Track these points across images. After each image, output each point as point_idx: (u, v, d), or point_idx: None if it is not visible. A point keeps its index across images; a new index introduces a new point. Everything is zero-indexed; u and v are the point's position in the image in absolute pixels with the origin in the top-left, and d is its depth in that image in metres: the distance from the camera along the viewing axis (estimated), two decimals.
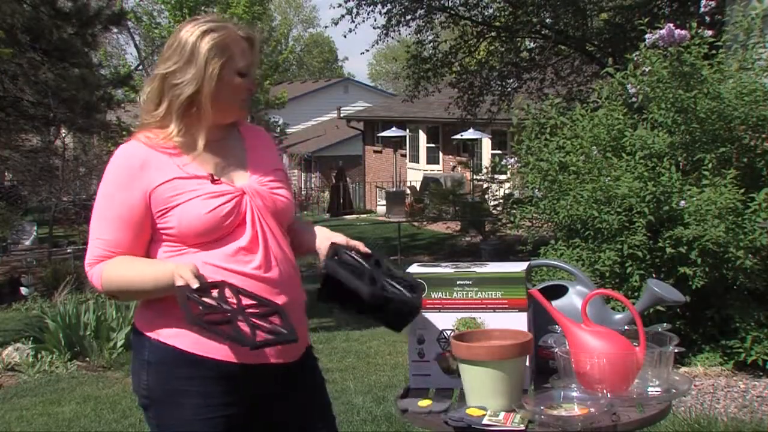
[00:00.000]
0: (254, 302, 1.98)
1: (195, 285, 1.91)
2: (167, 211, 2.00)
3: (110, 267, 2.01)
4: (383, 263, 2.13)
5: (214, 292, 1.95)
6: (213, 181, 2.04)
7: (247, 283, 2.00)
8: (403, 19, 13.80)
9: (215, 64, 2.02)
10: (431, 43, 14.35)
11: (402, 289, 2.04)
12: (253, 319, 1.94)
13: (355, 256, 2.11)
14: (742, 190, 4.83)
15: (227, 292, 1.96)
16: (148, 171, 2.01)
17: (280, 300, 2.03)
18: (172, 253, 2.02)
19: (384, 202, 23.90)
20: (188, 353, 1.98)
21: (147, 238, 2.04)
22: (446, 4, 14.27)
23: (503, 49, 14.05)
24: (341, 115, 31.50)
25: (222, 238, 2.01)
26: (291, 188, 2.28)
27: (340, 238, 2.17)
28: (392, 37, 14.59)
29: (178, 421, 2.01)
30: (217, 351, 1.97)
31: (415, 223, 19.61)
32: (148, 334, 2.03)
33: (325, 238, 2.18)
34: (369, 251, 2.14)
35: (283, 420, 2.12)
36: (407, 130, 24.69)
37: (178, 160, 2.04)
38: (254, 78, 2.14)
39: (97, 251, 2.03)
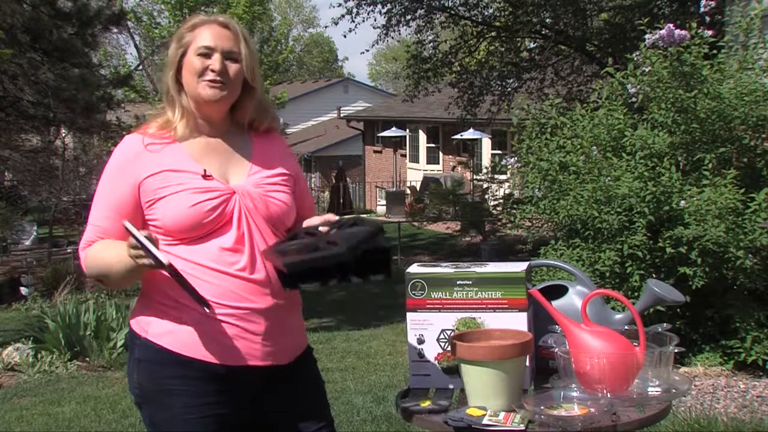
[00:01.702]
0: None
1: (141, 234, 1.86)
2: (154, 202, 2.02)
3: (91, 251, 2.06)
4: (358, 222, 2.00)
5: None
6: (204, 177, 2.04)
7: (233, 283, 1.99)
8: (403, 19, 13.80)
9: (179, 48, 2.07)
10: (431, 43, 14.35)
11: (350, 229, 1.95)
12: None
13: (313, 231, 2.01)
14: (742, 190, 4.83)
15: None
16: (140, 162, 2.04)
17: (265, 303, 2.02)
18: (162, 246, 2.01)
19: (384, 202, 23.89)
20: (174, 353, 1.99)
21: (138, 227, 2.04)
22: (446, 4, 14.27)
23: (503, 49, 14.05)
24: (341, 115, 31.50)
25: (206, 236, 2.01)
26: (307, 193, 2.25)
27: (312, 221, 2.08)
28: (392, 37, 14.58)
29: (169, 420, 2.02)
30: (202, 352, 1.98)
31: (415, 223, 19.61)
32: (139, 332, 2.05)
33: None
34: (334, 218, 2.03)
35: (279, 421, 2.12)
36: (407, 130, 24.69)
37: (174, 152, 2.06)
38: (230, 61, 2.05)
39: (89, 236, 2.08)
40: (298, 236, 2.02)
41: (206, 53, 2.05)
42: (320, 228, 2.02)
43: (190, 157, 2.06)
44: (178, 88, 2.08)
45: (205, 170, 2.05)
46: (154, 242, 1.88)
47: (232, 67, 2.06)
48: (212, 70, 2.04)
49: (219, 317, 1.98)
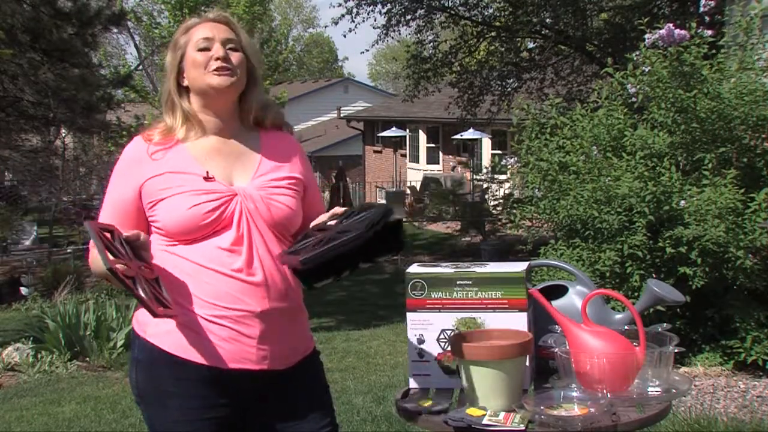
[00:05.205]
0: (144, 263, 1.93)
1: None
2: (155, 203, 2.02)
3: (92, 250, 2.05)
4: (366, 208, 1.99)
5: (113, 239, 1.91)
6: (206, 178, 2.03)
7: (229, 284, 1.98)
8: (403, 19, 13.82)
9: (177, 51, 2.08)
10: (431, 43, 14.36)
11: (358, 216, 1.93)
12: (146, 284, 1.89)
13: (323, 226, 2.00)
14: (742, 190, 4.83)
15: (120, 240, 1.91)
16: (143, 165, 2.05)
17: (262, 306, 1.99)
18: (164, 247, 2.03)
19: (384, 202, 23.91)
20: (170, 354, 1.99)
21: (141, 229, 2.04)
22: (446, 4, 14.28)
23: (503, 49, 14.06)
24: (341, 115, 31.51)
25: (206, 237, 2.00)
26: (318, 197, 2.23)
27: (320, 218, 2.05)
28: (392, 37, 14.59)
29: (165, 420, 2.03)
30: (197, 354, 1.98)
31: (415, 223, 19.61)
32: (138, 332, 2.07)
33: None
34: (341, 210, 2.00)
35: (277, 425, 2.09)
36: (407, 130, 24.70)
37: (178, 154, 2.05)
38: (231, 50, 2.06)
39: None
40: (308, 235, 1.99)
41: (206, 46, 2.06)
42: (329, 222, 2.00)
43: (194, 159, 2.05)
44: (180, 92, 2.09)
45: (207, 172, 2.03)
46: (134, 246, 1.91)
47: (235, 55, 2.07)
48: (216, 59, 2.04)
49: (213, 319, 1.97)
